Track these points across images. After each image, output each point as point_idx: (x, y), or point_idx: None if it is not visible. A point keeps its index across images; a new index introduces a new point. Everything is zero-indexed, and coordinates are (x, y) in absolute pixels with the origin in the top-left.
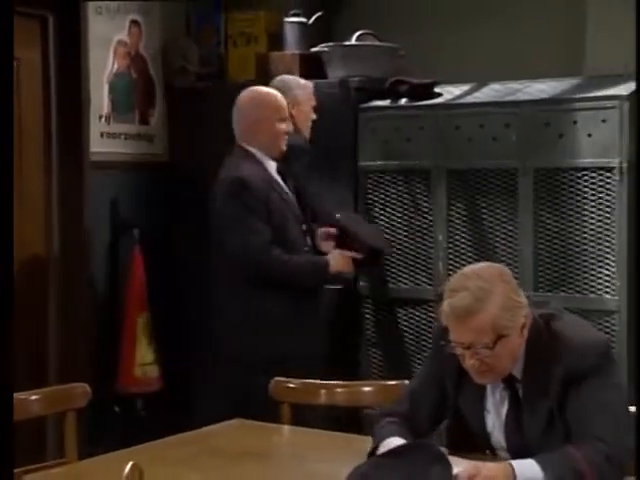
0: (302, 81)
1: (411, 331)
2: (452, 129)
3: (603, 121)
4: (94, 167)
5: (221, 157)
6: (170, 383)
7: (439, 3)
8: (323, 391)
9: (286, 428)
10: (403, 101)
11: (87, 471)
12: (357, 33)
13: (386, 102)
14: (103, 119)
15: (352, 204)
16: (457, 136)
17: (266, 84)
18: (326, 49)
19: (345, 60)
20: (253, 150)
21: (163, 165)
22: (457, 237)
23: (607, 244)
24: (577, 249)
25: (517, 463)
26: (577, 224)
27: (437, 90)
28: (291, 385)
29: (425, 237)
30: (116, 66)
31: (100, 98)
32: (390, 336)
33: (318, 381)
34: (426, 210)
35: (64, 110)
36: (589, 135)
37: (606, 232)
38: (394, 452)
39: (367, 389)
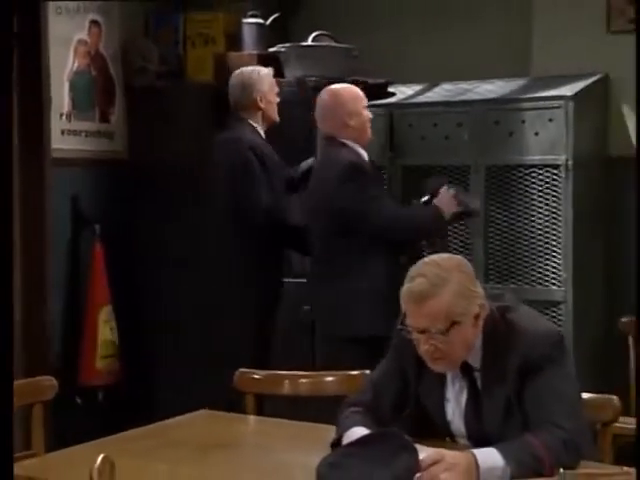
0: (263, 71)
1: None
2: (406, 127)
3: (550, 120)
4: (55, 164)
5: (180, 154)
6: (131, 375)
7: (392, 7)
8: (287, 381)
9: (252, 418)
10: None
11: (56, 463)
12: (313, 34)
13: None
14: (64, 117)
15: None
16: (411, 134)
17: (225, 83)
18: (283, 49)
19: (302, 60)
20: (347, 142)
21: (123, 162)
22: None
23: (554, 238)
24: (525, 242)
25: (479, 452)
26: (526, 219)
27: (391, 90)
28: (256, 376)
29: None
30: (76, 65)
31: (61, 96)
32: None
33: (282, 372)
34: None
35: (25, 108)
36: (536, 134)
37: (553, 226)
38: (362, 441)
39: (330, 379)
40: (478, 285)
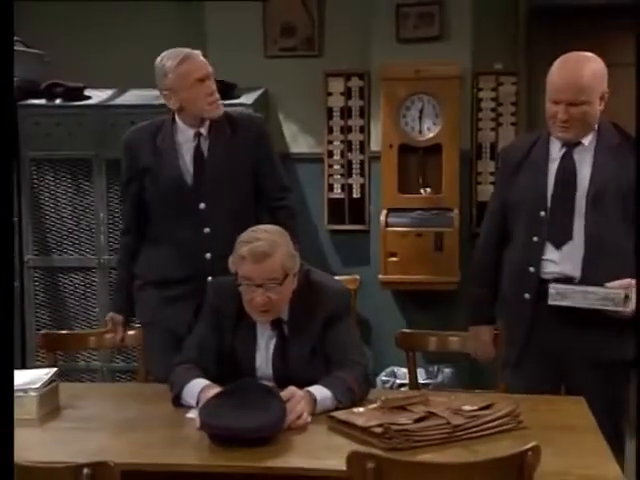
0: None
1: (75, 294)
2: (108, 125)
3: None
4: None
5: None
6: None
7: (77, 21)
8: (92, 338)
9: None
10: (58, 101)
11: None
12: None
13: (42, 101)
14: None
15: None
16: (113, 131)
17: None
18: None
19: None
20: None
21: None
22: (116, 214)
23: None
24: None
25: (312, 388)
26: None
27: (87, 93)
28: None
29: (87, 215)
30: None
31: None
32: (56, 299)
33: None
34: (88, 192)
35: None
36: None
37: None
38: (225, 393)
39: (131, 333)
40: None
